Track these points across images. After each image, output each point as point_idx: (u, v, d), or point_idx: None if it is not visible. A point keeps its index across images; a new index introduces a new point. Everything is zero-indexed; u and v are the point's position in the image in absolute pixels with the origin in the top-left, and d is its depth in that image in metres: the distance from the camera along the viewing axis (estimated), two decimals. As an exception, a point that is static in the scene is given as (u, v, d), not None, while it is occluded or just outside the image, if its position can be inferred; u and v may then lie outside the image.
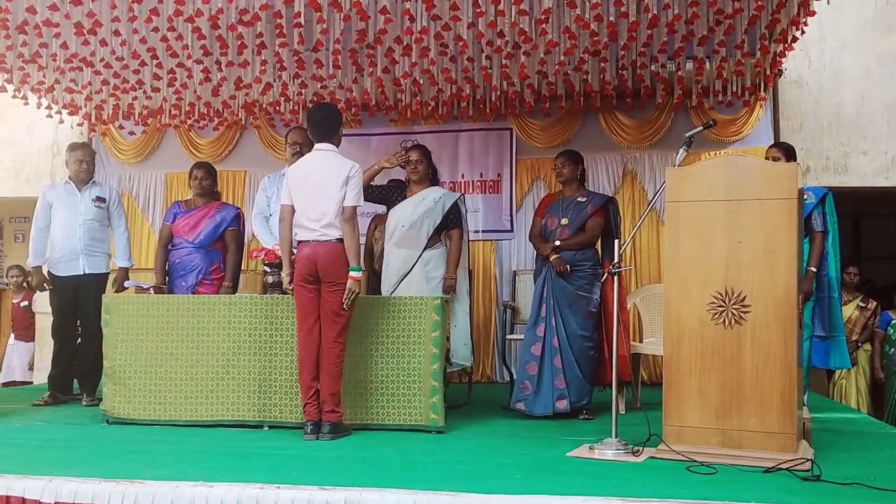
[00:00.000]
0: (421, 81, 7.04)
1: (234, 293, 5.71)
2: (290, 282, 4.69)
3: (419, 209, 5.65)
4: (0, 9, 5.53)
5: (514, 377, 5.68)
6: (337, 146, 4.81)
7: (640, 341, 6.33)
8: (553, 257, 5.46)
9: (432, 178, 5.85)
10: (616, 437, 4.15)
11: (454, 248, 5.72)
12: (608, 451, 4.09)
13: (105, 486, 3.34)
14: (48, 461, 3.89)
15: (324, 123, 4.79)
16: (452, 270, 5.67)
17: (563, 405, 5.33)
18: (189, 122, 8.21)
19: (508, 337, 6.28)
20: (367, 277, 7.00)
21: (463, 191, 7.94)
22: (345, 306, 4.59)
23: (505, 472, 3.70)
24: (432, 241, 5.65)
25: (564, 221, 5.59)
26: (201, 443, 4.42)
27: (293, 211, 4.69)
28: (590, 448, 4.18)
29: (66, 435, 4.71)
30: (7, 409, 5.59)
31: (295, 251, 4.74)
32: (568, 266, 5.43)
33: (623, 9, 5.49)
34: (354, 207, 4.64)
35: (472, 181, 8.14)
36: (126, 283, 5.95)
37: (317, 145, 4.80)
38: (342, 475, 3.58)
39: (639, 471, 3.73)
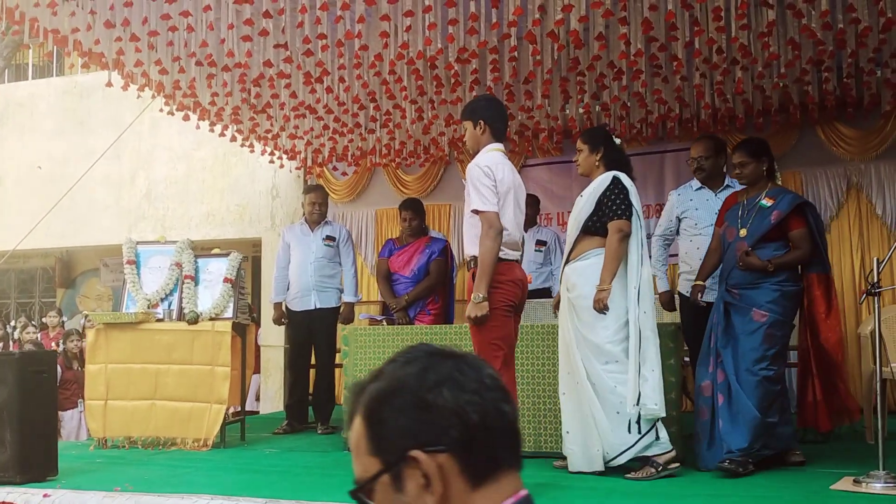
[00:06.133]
0: (629, 105, 6.96)
1: (405, 312, 5.87)
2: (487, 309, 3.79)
3: (574, 211, 4.45)
4: (239, 65, 5.97)
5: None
6: None
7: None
8: (694, 284, 4.79)
9: None
10: (884, 469, 3.87)
11: (607, 247, 4.18)
12: (876, 484, 3.83)
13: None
14: (310, 487, 4.09)
15: (505, 119, 4.22)
16: (604, 279, 4.12)
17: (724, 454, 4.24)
18: (397, 160, 8.51)
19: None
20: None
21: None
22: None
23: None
24: (581, 248, 4.30)
25: (743, 233, 4.48)
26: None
27: None
28: (854, 481, 3.92)
29: (316, 462, 4.96)
30: (251, 438, 5.96)
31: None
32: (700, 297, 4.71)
33: (854, 14, 5.20)
34: None
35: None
36: (361, 316, 6.24)
37: (497, 144, 4.07)
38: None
39: (922, 507, 3.45)
